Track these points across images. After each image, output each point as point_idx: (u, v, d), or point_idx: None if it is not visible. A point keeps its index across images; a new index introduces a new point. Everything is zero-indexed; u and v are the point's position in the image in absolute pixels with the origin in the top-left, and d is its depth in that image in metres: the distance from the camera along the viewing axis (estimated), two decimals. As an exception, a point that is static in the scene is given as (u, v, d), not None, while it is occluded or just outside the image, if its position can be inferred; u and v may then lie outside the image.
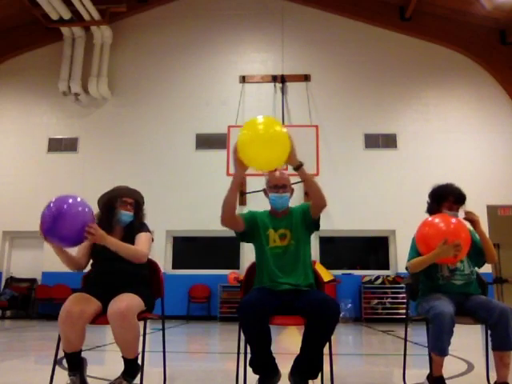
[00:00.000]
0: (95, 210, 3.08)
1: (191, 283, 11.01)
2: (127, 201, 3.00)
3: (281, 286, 2.81)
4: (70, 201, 2.60)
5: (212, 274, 11.06)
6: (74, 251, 2.87)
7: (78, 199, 2.64)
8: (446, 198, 3.01)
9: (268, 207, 3.08)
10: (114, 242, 2.73)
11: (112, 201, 2.97)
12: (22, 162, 11.98)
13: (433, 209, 3.08)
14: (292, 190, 2.97)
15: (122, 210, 2.97)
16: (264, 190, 3.02)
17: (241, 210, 11.22)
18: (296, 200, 3.02)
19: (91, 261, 3.00)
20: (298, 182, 11.52)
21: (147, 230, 3.01)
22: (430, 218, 2.94)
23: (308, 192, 2.83)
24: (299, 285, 2.83)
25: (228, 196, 2.84)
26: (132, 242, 2.90)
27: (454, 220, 2.86)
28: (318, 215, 2.89)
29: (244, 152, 2.60)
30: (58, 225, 2.50)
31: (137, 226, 3.00)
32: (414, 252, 2.99)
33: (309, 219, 2.90)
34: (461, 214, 3.04)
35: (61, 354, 2.71)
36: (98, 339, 5.79)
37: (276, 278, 2.83)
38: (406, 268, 3.01)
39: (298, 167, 2.70)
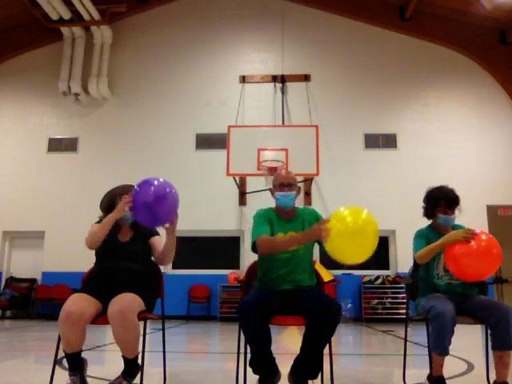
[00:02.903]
0: (95, 211, 3.07)
1: (191, 283, 11.01)
2: None
3: (281, 286, 2.81)
4: (173, 189, 2.73)
5: (212, 274, 11.06)
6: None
7: (173, 188, 2.75)
8: (438, 203, 3.00)
9: (267, 206, 3.07)
10: (174, 235, 2.85)
11: (113, 200, 2.95)
12: (22, 162, 11.98)
13: (428, 213, 3.09)
14: (298, 190, 2.97)
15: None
16: (270, 190, 3.00)
17: (241, 210, 11.22)
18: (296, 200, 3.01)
19: (94, 260, 2.99)
20: (303, 181, 11.50)
21: (158, 233, 3.05)
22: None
23: None
24: (301, 284, 2.82)
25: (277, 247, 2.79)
26: (141, 241, 2.94)
27: (484, 237, 2.77)
28: None
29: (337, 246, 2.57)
30: (160, 203, 2.63)
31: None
32: (420, 245, 2.95)
33: None
34: (457, 214, 3.04)
35: (61, 354, 2.71)
36: (98, 339, 5.79)
37: (280, 281, 2.82)
38: (415, 261, 2.97)
39: None
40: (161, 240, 2.99)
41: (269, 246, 2.75)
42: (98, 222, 2.94)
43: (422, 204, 3.13)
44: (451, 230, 3.02)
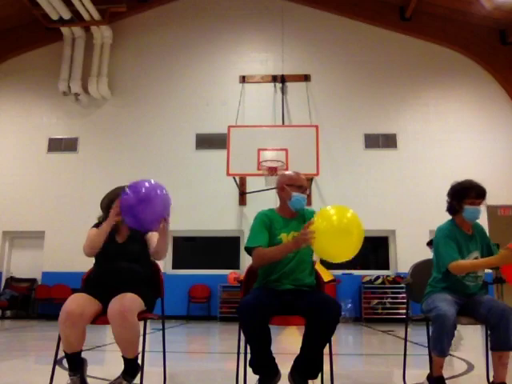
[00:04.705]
0: (95, 211, 3.07)
1: (191, 283, 11.01)
2: None
3: (281, 286, 2.81)
4: (159, 190, 2.66)
5: (212, 274, 11.06)
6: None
7: (161, 188, 2.69)
8: (467, 194, 2.91)
9: (267, 206, 3.07)
10: (166, 237, 2.83)
11: (115, 201, 2.95)
12: (22, 162, 11.98)
13: (454, 207, 2.98)
14: None
15: None
16: (280, 188, 2.93)
17: (241, 210, 11.21)
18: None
19: (93, 260, 2.99)
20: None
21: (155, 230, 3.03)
22: None
23: None
24: (301, 284, 2.82)
25: (273, 258, 2.78)
26: (138, 241, 2.93)
27: None
28: None
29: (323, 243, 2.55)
30: (143, 207, 2.58)
31: None
32: (452, 252, 2.85)
33: None
34: (483, 208, 2.97)
35: (61, 353, 2.71)
36: (97, 339, 5.79)
37: (282, 279, 2.82)
38: (445, 267, 2.84)
39: None
40: (157, 236, 2.97)
41: (262, 260, 2.78)
42: (94, 226, 2.95)
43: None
44: (471, 229, 2.99)
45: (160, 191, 2.65)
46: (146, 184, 2.65)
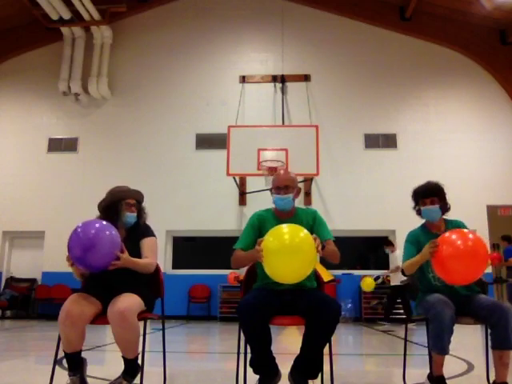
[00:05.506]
0: (95, 211, 3.07)
1: (191, 283, 11.01)
2: (130, 202, 2.99)
3: (281, 286, 2.81)
4: (99, 232, 2.62)
5: (212, 274, 11.07)
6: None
7: (106, 229, 2.65)
8: (420, 195, 3.05)
9: (267, 206, 3.08)
10: (132, 264, 2.77)
11: (116, 204, 2.95)
12: (21, 162, 11.98)
13: (417, 211, 3.12)
14: (298, 190, 2.97)
15: (127, 212, 2.96)
16: (270, 190, 3.01)
17: (241, 210, 11.19)
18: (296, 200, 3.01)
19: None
20: (303, 181, 11.49)
21: (152, 234, 3.02)
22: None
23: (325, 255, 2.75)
24: (302, 285, 2.82)
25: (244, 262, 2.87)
26: (135, 243, 2.92)
27: (471, 236, 2.67)
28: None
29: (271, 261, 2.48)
30: (87, 256, 2.54)
31: (142, 227, 3.01)
32: (408, 254, 2.97)
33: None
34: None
35: (61, 353, 2.71)
36: (97, 339, 5.79)
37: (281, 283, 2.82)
38: (402, 270, 3.00)
39: (323, 247, 2.65)
40: (151, 242, 2.97)
41: (236, 262, 2.86)
42: None
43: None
44: (443, 228, 3.01)
45: (102, 233, 2.60)
46: (90, 231, 2.62)
